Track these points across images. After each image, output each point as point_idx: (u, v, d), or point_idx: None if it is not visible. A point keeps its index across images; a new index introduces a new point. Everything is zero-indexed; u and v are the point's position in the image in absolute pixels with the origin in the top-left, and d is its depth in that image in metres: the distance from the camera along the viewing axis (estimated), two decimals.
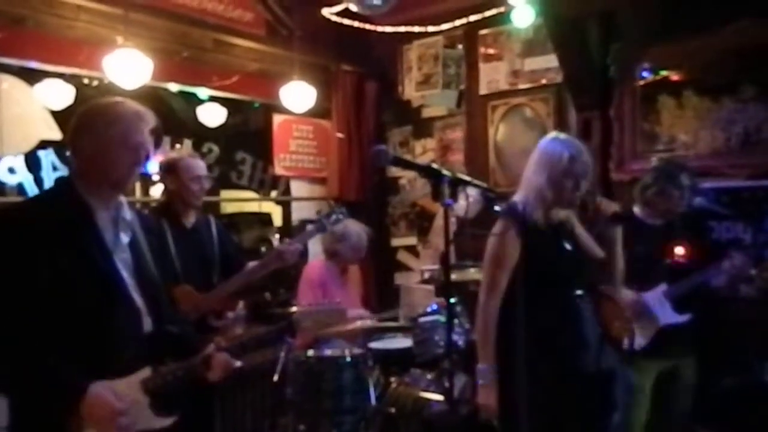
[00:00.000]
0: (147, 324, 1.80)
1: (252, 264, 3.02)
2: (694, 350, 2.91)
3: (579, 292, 2.42)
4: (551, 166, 2.29)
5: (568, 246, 2.34)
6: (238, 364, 1.97)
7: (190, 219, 2.95)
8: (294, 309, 2.27)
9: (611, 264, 2.41)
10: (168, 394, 1.78)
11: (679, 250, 2.82)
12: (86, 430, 1.65)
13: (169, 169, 2.90)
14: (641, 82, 3.88)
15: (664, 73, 3.82)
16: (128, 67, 3.35)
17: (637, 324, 2.81)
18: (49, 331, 1.65)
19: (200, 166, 2.95)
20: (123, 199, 1.86)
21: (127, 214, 1.84)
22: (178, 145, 5.08)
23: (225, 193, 5.68)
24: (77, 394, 1.61)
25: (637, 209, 3.01)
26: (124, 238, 1.81)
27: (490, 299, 2.27)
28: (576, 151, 2.31)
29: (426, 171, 1.88)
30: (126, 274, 1.78)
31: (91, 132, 1.76)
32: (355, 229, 3.70)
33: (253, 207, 6.93)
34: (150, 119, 1.82)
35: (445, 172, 1.82)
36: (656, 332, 2.84)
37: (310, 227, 3.12)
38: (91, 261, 1.71)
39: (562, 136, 2.41)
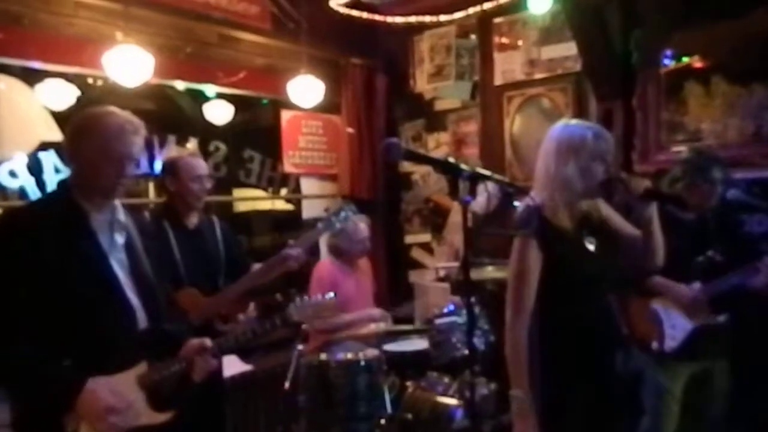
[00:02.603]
0: (142, 321, 1.87)
1: (257, 266, 2.91)
2: (729, 353, 2.75)
3: (605, 292, 2.27)
4: (576, 151, 2.08)
5: (591, 247, 2.18)
6: (249, 367, 2.07)
7: (193, 220, 2.85)
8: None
9: (649, 245, 2.22)
10: (164, 389, 1.85)
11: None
12: (83, 426, 1.72)
13: (168, 170, 2.81)
14: (665, 70, 3.71)
15: (689, 59, 3.65)
16: (129, 65, 3.24)
17: (691, 319, 2.68)
18: (45, 330, 1.73)
19: (201, 165, 2.85)
20: (117, 202, 1.94)
21: (122, 216, 1.93)
22: (189, 145, 4.98)
23: (237, 192, 5.58)
24: (74, 389, 1.70)
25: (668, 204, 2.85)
26: (119, 240, 1.90)
27: (518, 319, 2.09)
28: (597, 130, 2.14)
29: (443, 166, 1.75)
30: (122, 274, 1.86)
31: (78, 142, 1.86)
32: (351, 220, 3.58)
33: (266, 206, 6.84)
34: (137, 129, 1.88)
35: (463, 166, 1.68)
36: (688, 334, 2.69)
37: (318, 225, 2.99)
38: (86, 262, 1.79)
39: (574, 121, 2.22)
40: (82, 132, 1.86)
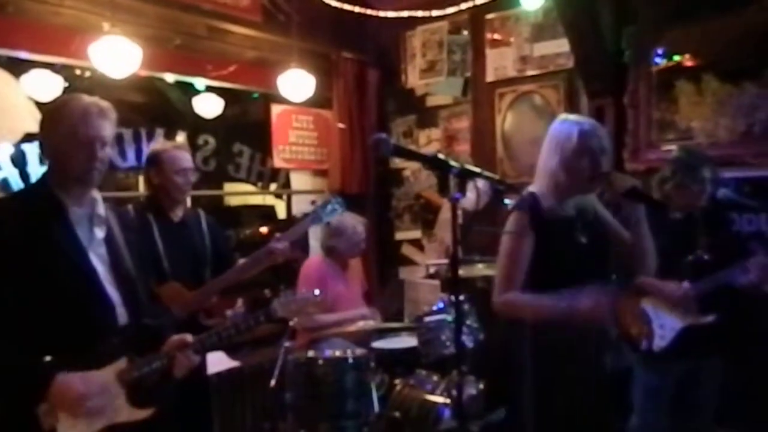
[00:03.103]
0: (122, 317, 1.84)
1: (242, 261, 2.86)
2: (718, 350, 2.74)
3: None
4: (562, 147, 2.12)
5: (583, 239, 2.16)
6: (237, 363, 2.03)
7: (178, 213, 2.79)
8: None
9: (639, 247, 2.21)
10: (144, 385, 1.82)
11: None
12: (60, 423, 1.69)
13: (152, 162, 2.75)
14: (657, 67, 3.69)
15: (681, 57, 3.63)
16: (115, 56, 3.18)
17: (681, 318, 2.68)
18: (23, 324, 1.70)
19: (185, 157, 2.78)
20: (98, 195, 1.90)
21: (102, 210, 1.89)
22: (178, 138, 4.91)
23: (228, 187, 5.54)
24: (45, 380, 1.67)
25: None
26: (99, 234, 1.86)
27: (506, 291, 2.09)
28: (587, 127, 2.14)
29: (431, 162, 1.72)
30: (101, 269, 1.83)
31: (46, 130, 1.83)
32: (351, 222, 3.55)
33: (257, 200, 6.81)
34: (103, 111, 1.82)
35: (452, 162, 1.66)
36: (677, 333, 2.68)
37: (305, 219, 2.95)
38: (64, 256, 1.76)
39: (572, 116, 2.24)
40: (49, 121, 1.83)
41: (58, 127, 1.79)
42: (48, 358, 1.70)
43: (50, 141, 1.82)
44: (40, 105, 3.68)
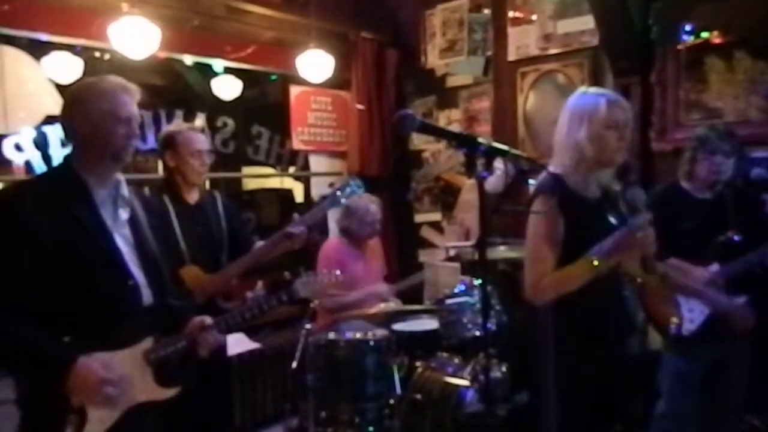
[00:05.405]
0: (147, 297, 1.85)
1: (259, 244, 2.84)
2: (750, 335, 2.68)
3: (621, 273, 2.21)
4: (589, 117, 2.03)
5: (613, 220, 2.10)
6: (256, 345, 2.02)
7: (194, 195, 2.77)
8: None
9: None
10: (170, 365, 1.84)
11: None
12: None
13: (167, 144, 2.71)
14: (685, 44, 3.58)
15: (710, 33, 3.52)
16: (134, 36, 3.17)
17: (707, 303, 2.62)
18: (49, 305, 1.70)
19: (200, 139, 2.74)
20: (121, 177, 1.91)
21: (126, 191, 1.90)
22: (197, 121, 4.90)
23: (246, 169, 5.53)
24: (66, 363, 1.67)
25: (684, 183, 2.78)
26: (123, 215, 1.87)
27: (541, 275, 2.00)
28: (613, 97, 2.07)
29: (458, 139, 1.67)
30: (126, 249, 1.84)
31: (81, 110, 1.81)
32: (363, 201, 3.51)
33: (274, 183, 6.80)
34: (135, 92, 1.87)
35: (481, 140, 1.61)
36: (707, 317, 2.62)
37: (323, 202, 2.92)
38: (88, 237, 1.77)
39: (592, 89, 2.15)
40: (85, 100, 1.81)
41: (97, 104, 1.79)
42: (67, 339, 1.70)
43: (87, 120, 1.79)
44: (60, 87, 3.68)
